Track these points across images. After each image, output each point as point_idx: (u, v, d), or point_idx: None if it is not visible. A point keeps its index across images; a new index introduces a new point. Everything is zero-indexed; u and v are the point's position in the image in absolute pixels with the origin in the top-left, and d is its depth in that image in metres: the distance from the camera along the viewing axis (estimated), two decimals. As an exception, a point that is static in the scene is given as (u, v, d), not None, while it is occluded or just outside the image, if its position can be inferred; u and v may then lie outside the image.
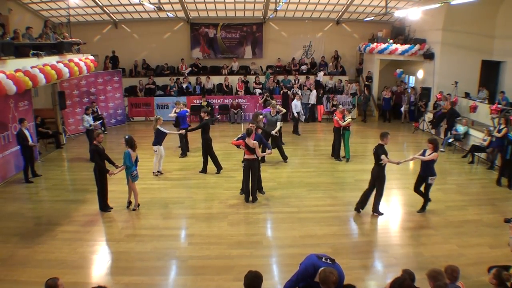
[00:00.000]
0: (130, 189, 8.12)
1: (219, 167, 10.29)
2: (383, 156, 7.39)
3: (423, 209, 7.94)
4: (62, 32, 12.68)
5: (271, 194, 8.94)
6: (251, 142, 8.17)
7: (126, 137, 7.92)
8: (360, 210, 7.94)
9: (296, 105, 14.47)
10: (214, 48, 18.48)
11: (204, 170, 10.27)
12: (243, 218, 7.80)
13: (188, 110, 12.40)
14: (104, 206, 8.06)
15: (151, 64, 17.97)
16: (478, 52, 14.40)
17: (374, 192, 7.78)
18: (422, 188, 7.91)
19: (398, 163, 7.76)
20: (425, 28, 15.48)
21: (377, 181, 7.65)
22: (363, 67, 18.77)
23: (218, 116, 10.15)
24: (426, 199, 7.94)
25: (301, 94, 16.42)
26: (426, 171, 7.70)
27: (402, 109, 16.49)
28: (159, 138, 10.03)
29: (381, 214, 7.87)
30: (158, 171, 10.23)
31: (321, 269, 3.81)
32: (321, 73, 17.64)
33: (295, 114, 14.44)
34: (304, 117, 15.86)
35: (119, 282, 5.69)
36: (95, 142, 7.84)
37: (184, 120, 11.57)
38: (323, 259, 4.00)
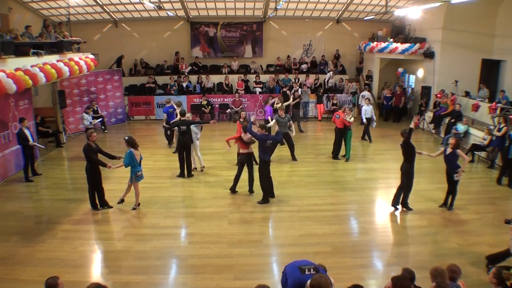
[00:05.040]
0: (128, 188, 8.08)
1: (183, 172, 9.79)
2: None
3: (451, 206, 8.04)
4: (62, 31, 12.66)
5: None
6: (246, 136, 8.41)
7: (126, 138, 7.86)
8: (397, 207, 8.05)
9: (366, 110, 12.95)
10: (214, 47, 18.46)
11: (181, 174, 9.83)
12: (243, 217, 7.80)
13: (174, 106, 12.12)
14: (94, 205, 8.03)
15: (151, 63, 17.96)
16: (478, 51, 14.38)
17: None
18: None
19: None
20: (425, 27, 15.47)
21: (406, 176, 7.79)
22: (363, 66, 18.75)
23: (211, 121, 10.15)
24: (454, 195, 8.02)
25: (301, 93, 16.41)
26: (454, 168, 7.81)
27: (408, 106, 16.65)
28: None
29: (411, 209, 7.99)
30: (194, 168, 10.23)
31: (309, 281, 3.65)
32: (330, 73, 17.58)
33: (364, 120, 13.01)
34: (375, 122, 13.51)
35: (119, 281, 5.69)
36: (88, 141, 7.78)
37: (172, 115, 11.84)
38: (306, 271, 3.90)
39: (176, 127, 10.01)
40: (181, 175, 9.81)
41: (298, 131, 14.18)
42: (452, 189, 7.97)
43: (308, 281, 3.66)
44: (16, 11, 13.54)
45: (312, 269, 3.91)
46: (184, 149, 9.67)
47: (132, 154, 7.71)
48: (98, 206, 8.08)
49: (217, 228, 7.31)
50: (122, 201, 8.16)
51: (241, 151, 8.74)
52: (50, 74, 10.07)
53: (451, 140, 7.89)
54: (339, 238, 6.92)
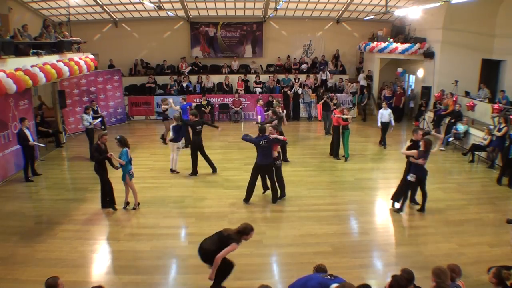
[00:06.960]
0: (127, 189, 8.07)
1: (195, 170, 10.02)
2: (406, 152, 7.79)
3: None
4: (62, 31, 12.65)
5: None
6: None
7: (118, 137, 7.84)
8: (415, 203, 8.18)
9: (383, 114, 12.20)
10: (214, 47, 18.46)
11: (194, 173, 10.02)
12: (243, 217, 7.78)
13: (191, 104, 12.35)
14: (105, 203, 8.07)
15: (151, 63, 17.96)
16: (478, 51, 14.40)
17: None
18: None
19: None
20: (425, 26, 15.47)
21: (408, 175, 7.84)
22: (363, 66, 18.76)
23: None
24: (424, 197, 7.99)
25: (302, 93, 16.42)
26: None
27: (412, 105, 16.70)
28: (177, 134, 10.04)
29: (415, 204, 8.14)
30: (175, 170, 10.21)
31: (336, 285, 3.67)
32: (320, 72, 17.62)
33: (378, 125, 12.40)
34: (392, 127, 12.41)
35: (119, 281, 5.70)
36: (98, 142, 7.85)
37: (186, 112, 11.94)
38: (327, 277, 3.93)
39: (190, 127, 10.10)
40: (193, 173, 9.99)
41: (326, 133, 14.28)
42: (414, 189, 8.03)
43: (335, 285, 3.68)
44: (16, 11, 13.54)
45: (328, 275, 3.94)
46: (198, 149, 9.85)
47: (127, 152, 7.74)
48: (107, 205, 8.11)
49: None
50: (127, 203, 8.14)
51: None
52: (50, 74, 10.06)
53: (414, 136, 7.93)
54: (339, 238, 6.92)
